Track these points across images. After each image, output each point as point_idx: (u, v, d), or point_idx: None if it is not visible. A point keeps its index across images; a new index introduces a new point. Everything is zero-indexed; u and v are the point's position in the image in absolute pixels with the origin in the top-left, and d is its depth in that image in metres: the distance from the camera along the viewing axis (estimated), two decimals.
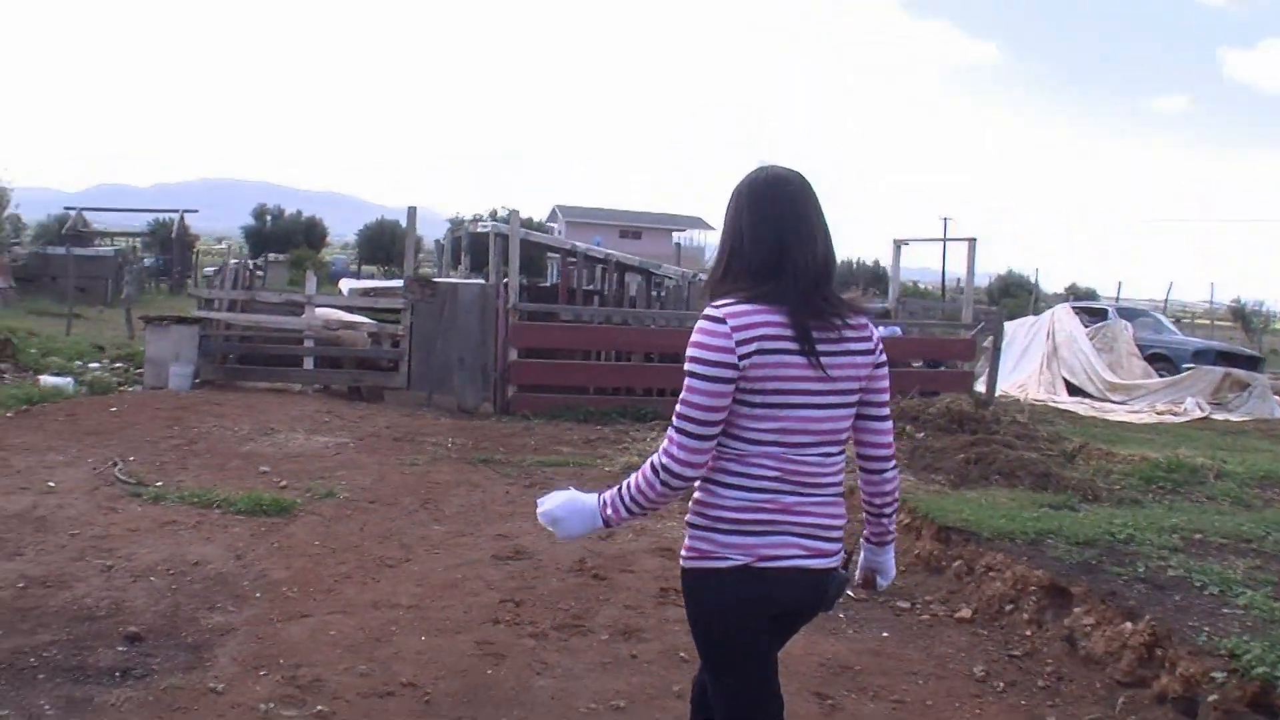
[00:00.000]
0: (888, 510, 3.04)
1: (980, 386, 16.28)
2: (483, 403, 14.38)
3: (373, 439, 11.16)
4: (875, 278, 62.69)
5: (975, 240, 17.91)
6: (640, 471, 2.75)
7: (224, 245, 21.16)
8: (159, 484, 8.49)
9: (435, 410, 13.95)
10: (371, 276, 55.40)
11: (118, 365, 16.91)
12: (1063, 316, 22.79)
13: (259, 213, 66.50)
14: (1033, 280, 47.33)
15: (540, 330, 14.91)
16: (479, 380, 14.54)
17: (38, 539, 6.87)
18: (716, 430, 2.66)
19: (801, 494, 2.73)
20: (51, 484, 8.26)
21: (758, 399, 2.65)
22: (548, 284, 22.07)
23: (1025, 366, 22.01)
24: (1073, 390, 20.94)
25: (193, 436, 10.46)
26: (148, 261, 44.86)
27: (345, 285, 19.85)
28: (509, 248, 14.66)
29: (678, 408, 2.66)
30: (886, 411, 2.91)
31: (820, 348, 2.67)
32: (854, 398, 2.79)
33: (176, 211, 44.96)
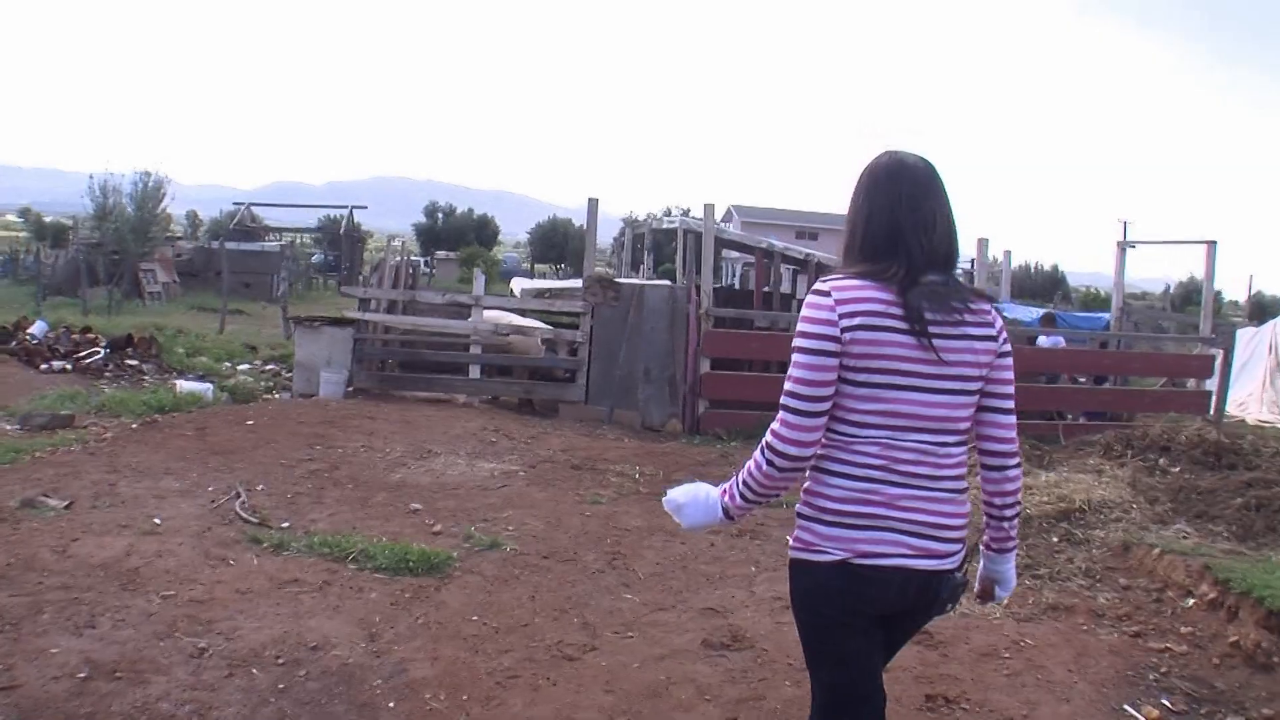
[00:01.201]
0: (1009, 513, 2.87)
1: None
2: (670, 419, 12.58)
3: (547, 466, 9.40)
4: (1053, 283, 59.48)
5: (1215, 244, 15.49)
6: (753, 456, 2.66)
7: (397, 243, 19.67)
8: (285, 524, 6.87)
9: (616, 428, 12.18)
10: (543, 276, 54.56)
11: (269, 368, 15.67)
12: None
13: (430, 210, 67.50)
14: (1217, 288, 43.61)
15: (736, 339, 12.96)
16: (666, 394, 12.73)
17: (121, 602, 5.27)
18: (823, 407, 2.57)
19: (910, 486, 2.61)
20: (157, 520, 6.71)
21: (861, 377, 2.56)
22: (721, 285, 20.14)
23: (1244, 384, 19.72)
24: None
25: (335, 460, 8.84)
26: (316, 258, 44.84)
27: (517, 285, 17.98)
28: (701, 246, 12.79)
29: (785, 385, 2.59)
30: (1010, 405, 2.75)
31: (933, 329, 2.56)
32: (974, 385, 2.66)
33: (346, 208, 44.77)
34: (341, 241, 43.44)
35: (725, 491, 2.76)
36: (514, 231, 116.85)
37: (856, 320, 2.53)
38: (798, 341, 2.58)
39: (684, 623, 5.61)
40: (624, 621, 5.58)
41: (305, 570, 5.94)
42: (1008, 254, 19.85)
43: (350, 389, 12.77)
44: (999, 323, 2.72)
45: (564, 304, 13.49)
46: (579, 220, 75.68)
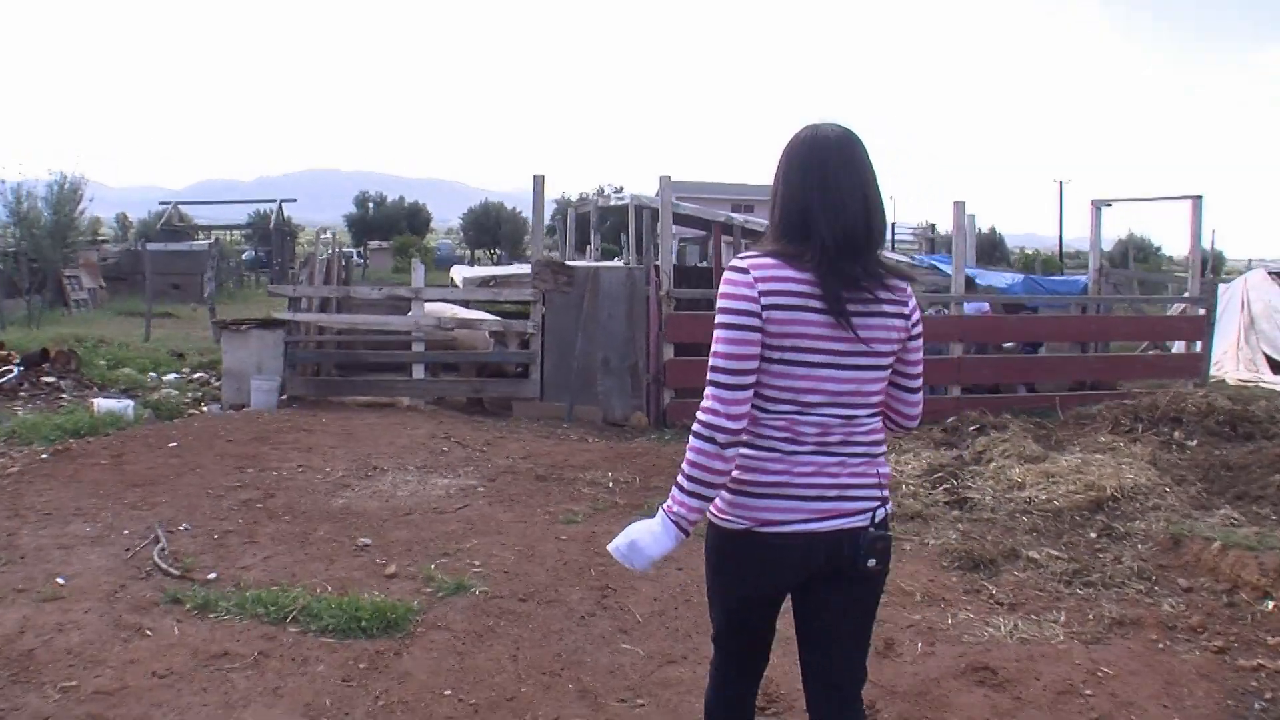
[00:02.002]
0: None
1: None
2: (633, 413, 11.62)
3: (508, 478, 8.38)
4: (991, 245, 59.18)
5: (1201, 199, 14.79)
6: (689, 446, 2.62)
7: (328, 235, 18.34)
8: (212, 575, 5.80)
9: (577, 426, 11.20)
10: (479, 263, 53.55)
11: (197, 376, 14.49)
12: (1258, 283, 19.53)
13: (361, 200, 66.82)
14: (1156, 244, 43.51)
15: (701, 322, 11.95)
16: (628, 385, 11.76)
17: (9, 700, 4.23)
18: (749, 380, 2.59)
19: (814, 454, 2.65)
20: (61, 580, 5.62)
21: (775, 355, 2.60)
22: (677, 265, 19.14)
23: (1218, 342, 18.85)
24: (1276, 367, 18.19)
25: (269, 484, 7.77)
26: (247, 255, 43.57)
27: (458, 274, 16.52)
28: (657, 223, 11.81)
29: (711, 361, 2.60)
30: (919, 384, 2.88)
31: (850, 308, 2.60)
32: (886, 361, 2.72)
33: (275, 201, 43.44)
34: (272, 237, 42.14)
35: (667, 506, 2.66)
36: (446, 219, 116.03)
37: (773, 300, 2.56)
38: (721, 318, 2.60)
39: (701, 679, 4.64)
40: (629, 684, 4.60)
41: (237, 638, 4.90)
42: (972, 217, 19.08)
43: (284, 397, 11.67)
44: (913, 303, 2.78)
45: (512, 292, 12.42)
46: (512, 204, 75.11)
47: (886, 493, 2.78)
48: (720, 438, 2.57)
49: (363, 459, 8.69)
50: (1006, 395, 13.31)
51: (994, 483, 8.08)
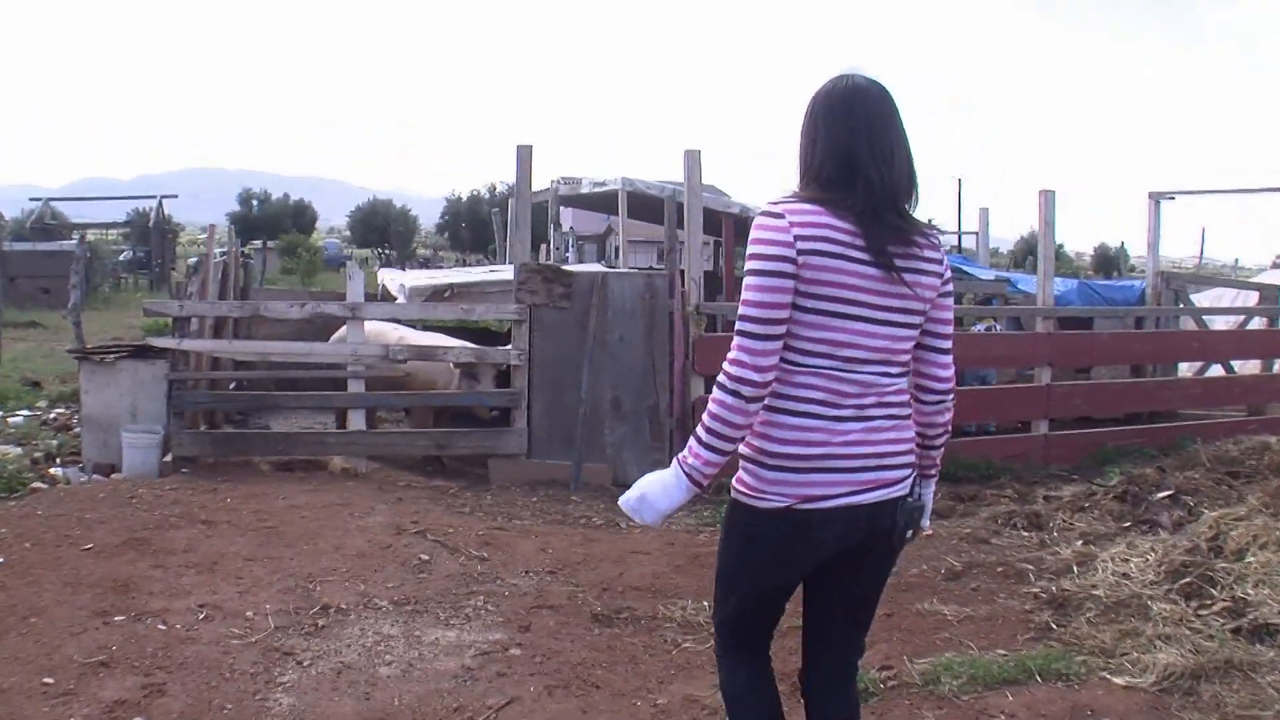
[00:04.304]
0: (939, 442, 2.86)
1: None
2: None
3: (549, 622, 5.13)
4: (1028, 249, 58.69)
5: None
6: (712, 397, 2.52)
7: (221, 233, 14.66)
8: None
9: (590, 495, 8.05)
10: (383, 263, 50.52)
11: (56, 416, 11.03)
12: None
13: (245, 198, 65.81)
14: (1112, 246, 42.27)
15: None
16: (645, 434, 8.67)
17: None
18: (780, 330, 2.48)
19: (854, 420, 2.55)
20: None
21: (810, 304, 2.49)
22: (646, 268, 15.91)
23: None
24: None
25: (150, 661, 4.47)
26: (125, 255, 41.24)
27: (394, 280, 12.16)
28: (686, 212, 8.71)
29: (739, 309, 2.50)
30: (949, 344, 2.77)
31: (897, 262, 2.52)
32: (917, 320, 2.63)
33: (155, 198, 39.83)
34: (152, 236, 38.72)
35: (682, 458, 2.54)
36: (330, 217, 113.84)
37: (811, 245, 2.45)
38: (752, 264, 2.49)
39: None
40: None
41: None
42: (984, 211, 16.38)
43: (168, 458, 8.33)
44: (946, 260, 2.70)
45: (488, 309, 9.00)
46: (400, 203, 73.57)
47: (914, 458, 2.69)
48: (746, 390, 2.45)
49: (302, 587, 5.45)
50: (1103, 429, 10.64)
51: (1273, 592, 5.33)
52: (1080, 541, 6.74)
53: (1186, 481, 7.53)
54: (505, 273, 10.82)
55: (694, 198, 8.70)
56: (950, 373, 2.75)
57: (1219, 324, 13.52)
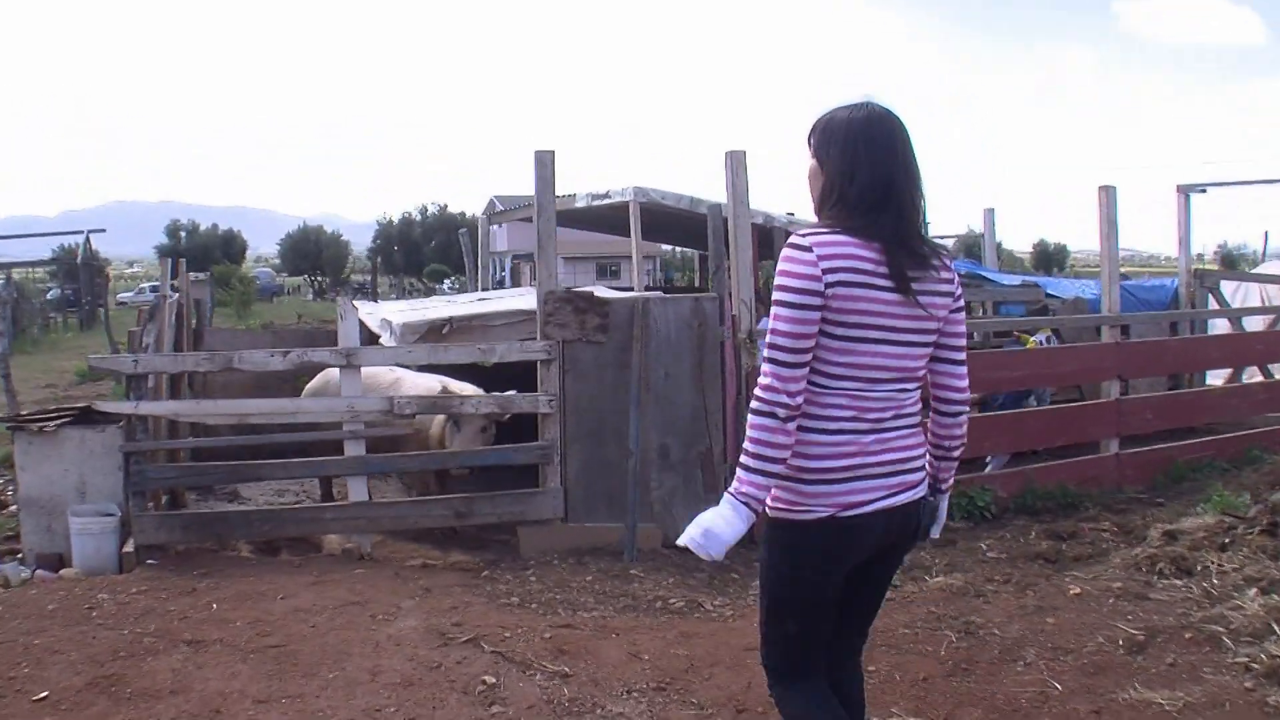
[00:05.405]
0: (956, 453, 2.94)
1: None
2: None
3: None
4: (1047, 255, 59.48)
5: None
6: (750, 424, 2.59)
7: (135, 270, 13.07)
8: None
9: (654, 567, 6.68)
10: (302, 292, 49.15)
11: None
12: None
13: (172, 230, 65.35)
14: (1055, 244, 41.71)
15: None
16: (698, 484, 7.34)
17: None
18: (807, 358, 2.58)
19: (879, 431, 2.65)
20: None
21: (839, 331, 2.58)
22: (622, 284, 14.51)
23: None
24: None
25: None
26: (52, 293, 40.06)
27: (375, 314, 9.96)
28: (732, 225, 7.39)
29: (769, 338, 2.59)
30: (963, 356, 2.85)
31: (916, 286, 2.61)
32: (931, 338, 2.73)
33: (82, 233, 38.20)
34: (80, 273, 37.32)
35: (734, 489, 2.59)
36: (259, 246, 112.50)
37: (839, 276, 2.53)
38: (780, 296, 2.56)
39: None
40: None
41: None
42: (990, 212, 15.25)
43: (129, 548, 6.83)
44: (957, 279, 2.77)
45: (509, 347, 7.45)
46: (331, 228, 73.12)
47: (926, 461, 2.81)
48: (781, 412, 2.53)
49: None
50: (1172, 445, 9.61)
51: None
52: (1253, 590, 5.60)
53: None
54: (504, 302, 9.41)
55: (740, 206, 7.38)
56: (966, 383, 2.85)
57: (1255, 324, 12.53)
